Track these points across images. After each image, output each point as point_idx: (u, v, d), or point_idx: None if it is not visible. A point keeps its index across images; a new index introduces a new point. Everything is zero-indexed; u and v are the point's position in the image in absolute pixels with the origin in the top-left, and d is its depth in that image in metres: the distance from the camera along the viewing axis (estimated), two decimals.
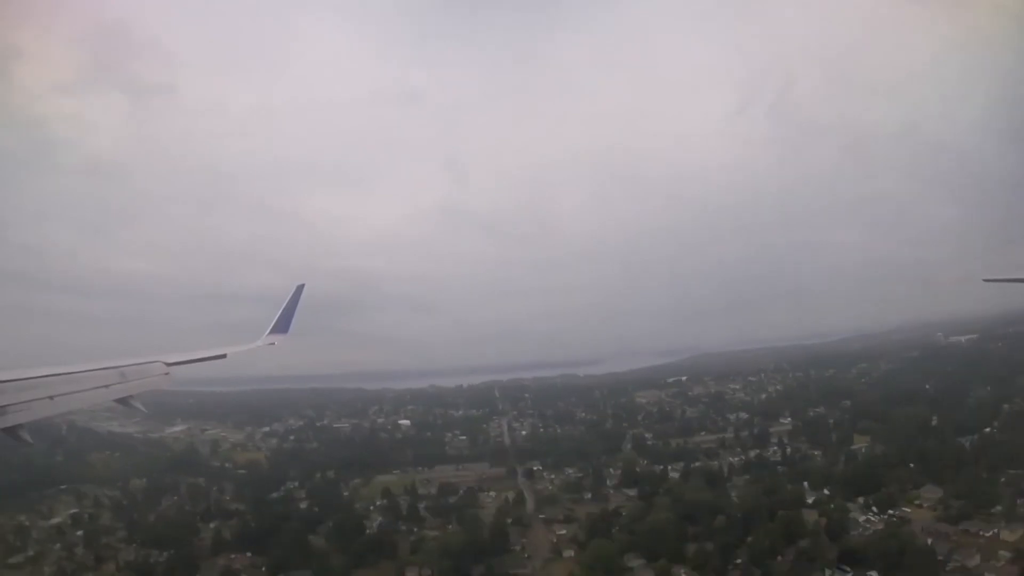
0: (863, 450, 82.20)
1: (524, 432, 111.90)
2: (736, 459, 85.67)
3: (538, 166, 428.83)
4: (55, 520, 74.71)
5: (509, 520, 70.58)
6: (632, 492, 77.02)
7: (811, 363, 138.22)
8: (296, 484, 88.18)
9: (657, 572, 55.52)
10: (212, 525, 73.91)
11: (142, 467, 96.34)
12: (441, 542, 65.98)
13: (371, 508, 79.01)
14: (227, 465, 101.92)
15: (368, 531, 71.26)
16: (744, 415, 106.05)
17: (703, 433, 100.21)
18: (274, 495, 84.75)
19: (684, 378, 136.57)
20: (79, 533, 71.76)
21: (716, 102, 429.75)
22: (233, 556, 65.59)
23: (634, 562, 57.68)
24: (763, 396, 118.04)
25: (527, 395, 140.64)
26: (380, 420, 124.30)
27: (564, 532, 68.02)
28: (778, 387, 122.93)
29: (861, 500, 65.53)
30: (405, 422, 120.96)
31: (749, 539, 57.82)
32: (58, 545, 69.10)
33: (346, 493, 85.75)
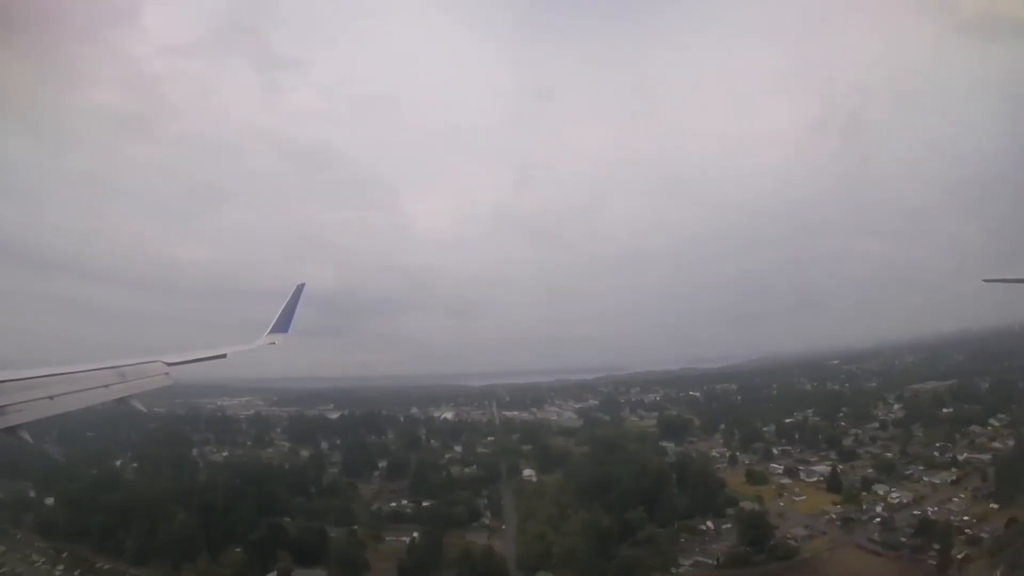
0: None
1: (810, 387, 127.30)
2: None
3: (596, 171, 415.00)
4: None
5: None
6: None
7: (929, 350, 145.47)
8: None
9: None
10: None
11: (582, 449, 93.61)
12: None
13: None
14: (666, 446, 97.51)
15: None
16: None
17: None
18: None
19: (836, 361, 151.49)
20: None
21: (766, 112, 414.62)
22: None
23: None
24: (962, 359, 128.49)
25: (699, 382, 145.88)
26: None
27: None
28: (959, 359, 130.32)
29: None
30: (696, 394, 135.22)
31: None
32: None
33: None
